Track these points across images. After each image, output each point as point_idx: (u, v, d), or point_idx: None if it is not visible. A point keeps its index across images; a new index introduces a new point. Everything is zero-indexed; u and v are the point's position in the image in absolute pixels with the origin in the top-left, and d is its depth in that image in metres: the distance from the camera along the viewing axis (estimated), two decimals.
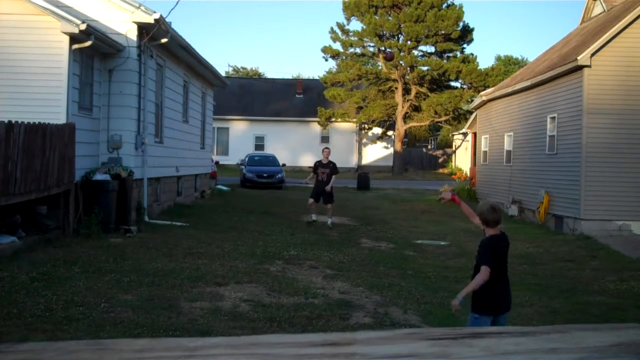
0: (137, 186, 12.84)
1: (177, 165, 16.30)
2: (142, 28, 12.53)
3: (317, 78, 47.44)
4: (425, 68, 39.68)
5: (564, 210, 15.31)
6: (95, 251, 9.35)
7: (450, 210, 20.39)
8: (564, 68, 15.15)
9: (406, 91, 40.82)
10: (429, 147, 58.26)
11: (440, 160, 50.27)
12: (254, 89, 47.16)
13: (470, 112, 32.99)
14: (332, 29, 40.13)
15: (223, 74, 35.25)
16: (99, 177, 11.29)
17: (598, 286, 9.14)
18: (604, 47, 14.21)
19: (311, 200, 14.78)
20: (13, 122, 8.79)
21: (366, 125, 43.42)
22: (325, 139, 43.90)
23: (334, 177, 14.68)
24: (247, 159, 30.98)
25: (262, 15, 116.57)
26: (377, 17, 38.00)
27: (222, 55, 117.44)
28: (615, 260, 11.39)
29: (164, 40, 13.12)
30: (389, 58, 33.58)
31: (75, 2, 12.01)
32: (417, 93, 40.57)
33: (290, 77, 62.24)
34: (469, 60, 38.84)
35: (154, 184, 14.46)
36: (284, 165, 30.70)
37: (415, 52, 40.04)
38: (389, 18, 38.45)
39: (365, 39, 39.61)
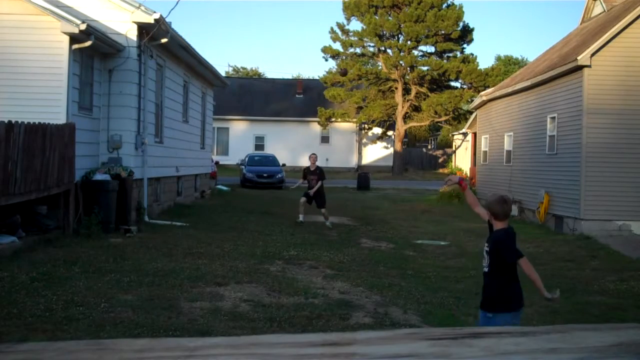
0: (137, 186, 12.84)
1: (177, 165, 16.31)
2: (142, 28, 12.53)
3: (317, 78, 47.45)
4: (425, 68, 39.68)
5: (564, 210, 15.31)
6: (95, 251, 9.35)
7: (450, 210, 20.40)
8: (564, 68, 15.15)
9: (406, 91, 40.82)
10: (429, 147, 58.26)
11: (440, 160, 50.27)
12: (254, 89, 47.16)
13: (470, 112, 32.99)
14: (332, 29, 40.16)
15: (223, 74, 35.24)
16: (99, 177, 11.29)
17: (598, 286, 9.13)
18: (604, 47, 14.20)
19: (303, 200, 14.87)
20: (13, 122, 8.79)
21: (366, 125, 43.43)
22: (325, 139, 43.92)
23: (321, 182, 14.82)
24: (247, 159, 30.99)
25: (262, 15, 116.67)
26: (377, 17, 38.00)
27: (222, 55, 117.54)
28: (615, 260, 11.38)
29: (164, 40, 13.12)
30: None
31: (75, 2, 12.01)
32: (417, 93, 40.57)
33: (290, 77, 62.29)
34: (469, 60, 38.84)
35: (154, 184, 14.46)
36: (284, 165, 30.71)
37: (415, 52, 40.05)
38: (389, 18, 38.45)
39: (365, 39, 39.61)
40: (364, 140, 45.00)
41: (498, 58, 68.16)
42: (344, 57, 41.40)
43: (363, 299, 7.65)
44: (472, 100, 28.55)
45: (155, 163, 13.99)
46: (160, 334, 5.70)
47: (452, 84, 40.86)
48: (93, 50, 11.68)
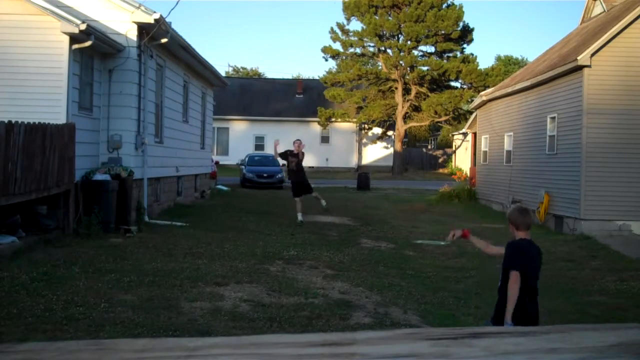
0: (137, 186, 12.84)
1: (177, 165, 16.31)
2: (142, 28, 12.53)
3: (317, 78, 47.48)
4: (425, 68, 39.69)
5: (564, 210, 15.31)
6: (95, 251, 9.35)
7: (450, 210, 20.41)
8: (564, 68, 15.15)
9: (406, 91, 40.82)
10: (429, 147, 58.26)
11: (440, 160, 50.28)
12: (254, 89, 47.17)
13: (470, 112, 32.99)
14: (332, 29, 40.17)
15: (223, 74, 35.26)
16: (99, 177, 11.29)
17: (598, 286, 9.14)
18: (604, 47, 14.21)
19: (297, 199, 14.96)
20: (13, 122, 8.79)
21: (366, 125, 43.43)
22: (325, 139, 43.92)
23: (298, 166, 15.06)
24: (247, 159, 31.00)
25: (262, 15, 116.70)
26: (377, 17, 38.01)
27: (222, 55, 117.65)
28: (615, 260, 11.39)
29: (164, 40, 13.12)
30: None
31: (75, 2, 12.01)
32: (417, 93, 40.57)
33: (290, 77, 62.29)
34: (469, 60, 38.85)
35: (154, 184, 14.46)
36: (283, 165, 30.67)
37: (415, 52, 40.06)
38: (389, 18, 38.46)
39: (365, 39, 39.62)
40: (364, 140, 45.00)
41: (498, 58, 68.20)
42: (344, 57, 41.42)
43: (363, 299, 7.65)
44: (472, 100, 28.55)
45: (155, 163, 13.99)
46: (160, 334, 5.70)
47: (452, 84, 40.87)
48: (93, 50, 11.68)
